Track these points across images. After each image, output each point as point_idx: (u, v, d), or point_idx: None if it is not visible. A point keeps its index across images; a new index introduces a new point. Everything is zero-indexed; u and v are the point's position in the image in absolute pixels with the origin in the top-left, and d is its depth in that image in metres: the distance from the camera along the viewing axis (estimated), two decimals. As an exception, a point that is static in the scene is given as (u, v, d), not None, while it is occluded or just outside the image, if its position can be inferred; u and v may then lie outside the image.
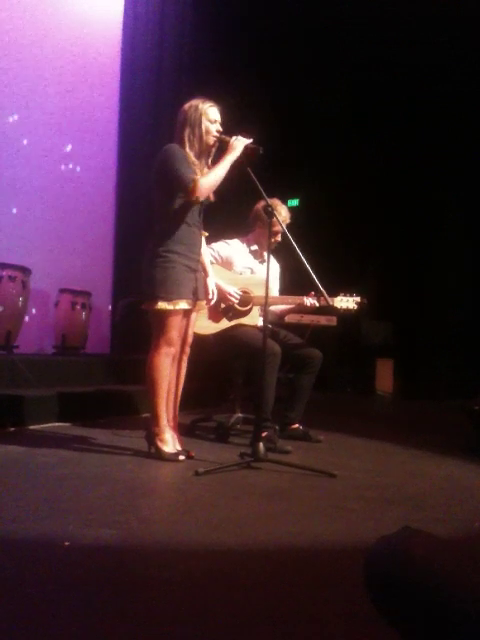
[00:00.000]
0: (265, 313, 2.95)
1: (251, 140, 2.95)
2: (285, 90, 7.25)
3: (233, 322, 3.59)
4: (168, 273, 2.87)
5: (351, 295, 3.56)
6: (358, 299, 3.56)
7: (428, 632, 0.86)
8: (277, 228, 3.41)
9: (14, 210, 5.33)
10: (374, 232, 7.88)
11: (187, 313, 2.99)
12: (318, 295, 3.48)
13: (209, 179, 2.87)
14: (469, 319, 7.37)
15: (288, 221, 3.62)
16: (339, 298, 3.54)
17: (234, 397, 3.85)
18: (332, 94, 7.53)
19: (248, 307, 3.61)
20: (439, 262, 7.81)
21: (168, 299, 2.85)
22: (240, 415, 3.74)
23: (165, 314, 2.87)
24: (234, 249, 3.78)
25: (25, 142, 5.45)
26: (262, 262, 3.79)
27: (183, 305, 2.89)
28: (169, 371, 2.95)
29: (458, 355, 7.28)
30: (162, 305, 2.85)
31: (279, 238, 3.60)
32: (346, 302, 3.54)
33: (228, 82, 6.46)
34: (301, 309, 3.72)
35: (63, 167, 5.82)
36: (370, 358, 7.73)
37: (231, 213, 4.25)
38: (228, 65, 6.86)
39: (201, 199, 2.89)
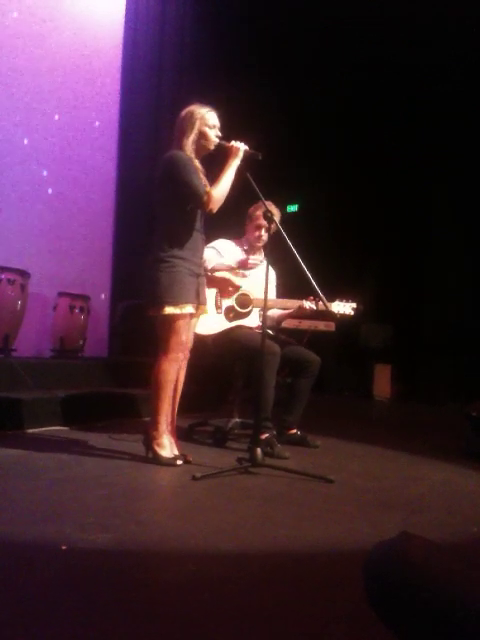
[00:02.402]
0: (264, 311, 2.95)
1: (246, 147, 2.96)
2: (285, 90, 7.25)
3: (233, 323, 3.59)
4: (173, 277, 2.87)
5: (348, 300, 3.56)
6: (354, 305, 3.55)
7: (427, 636, 0.86)
8: (260, 222, 3.52)
9: (13, 213, 5.32)
10: (373, 234, 7.87)
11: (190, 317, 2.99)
12: (316, 299, 3.48)
13: (220, 190, 2.89)
14: (469, 322, 7.36)
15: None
16: (336, 303, 3.53)
17: (233, 400, 3.83)
18: (332, 94, 7.53)
19: (248, 309, 3.61)
20: (439, 264, 7.80)
21: (175, 303, 2.86)
22: (238, 420, 3.73)
23: (173, 319, 2.88)
24: (228, 248, 3.78)
25: (24, 142, 5.45)
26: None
27: (189, 309, 2.90)
28: (174, 376, 2.96)
29: (457, 358, 7.27)
30: (169, 310, 2.85)
31: (263, 235, 3.59)
32: (343, 307, 3.53)
33: (228, 82, 6.48)
34: (299, 314, 3.72)
35: (62, 169, 5.81)
36: (369, 362, 7.72)
37: (229, 217, 4.24)
38: (228, 65, 6.87)
39: (214, 211, 2.91)
